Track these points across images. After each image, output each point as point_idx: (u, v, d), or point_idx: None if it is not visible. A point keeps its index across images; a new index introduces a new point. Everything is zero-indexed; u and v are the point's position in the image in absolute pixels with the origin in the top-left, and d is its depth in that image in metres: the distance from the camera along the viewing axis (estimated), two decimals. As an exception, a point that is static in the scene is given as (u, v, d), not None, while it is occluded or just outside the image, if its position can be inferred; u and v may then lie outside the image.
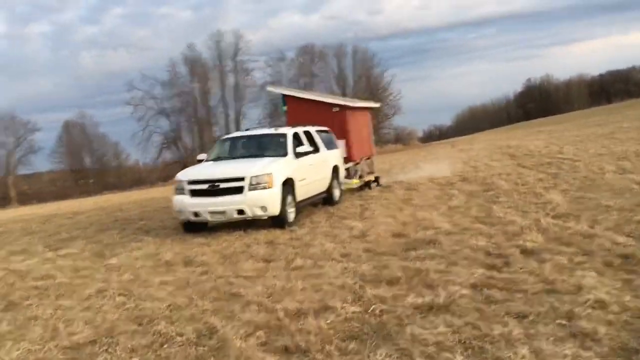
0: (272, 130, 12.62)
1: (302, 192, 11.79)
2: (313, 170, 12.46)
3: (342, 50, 60.68)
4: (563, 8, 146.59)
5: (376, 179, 17.26)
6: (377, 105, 18.50)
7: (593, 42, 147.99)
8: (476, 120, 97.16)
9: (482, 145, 37.75)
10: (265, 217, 10.78)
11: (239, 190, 10.52)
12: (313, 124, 14.20)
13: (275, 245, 9.44)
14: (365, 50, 62.05)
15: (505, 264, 6.90)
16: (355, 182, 15.83)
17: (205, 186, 10.66)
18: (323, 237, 9.74)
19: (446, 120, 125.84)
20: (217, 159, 12.06)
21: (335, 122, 15.67)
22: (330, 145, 14.17)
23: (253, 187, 10.51)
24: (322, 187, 13.16)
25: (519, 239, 8.09)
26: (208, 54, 58.07)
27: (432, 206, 12.18)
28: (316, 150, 13.21)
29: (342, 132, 15.65)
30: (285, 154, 11.63)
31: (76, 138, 67.32)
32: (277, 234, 10.37)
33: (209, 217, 10.67)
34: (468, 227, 9.34)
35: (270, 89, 16.69)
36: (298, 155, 11.77)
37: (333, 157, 14.00)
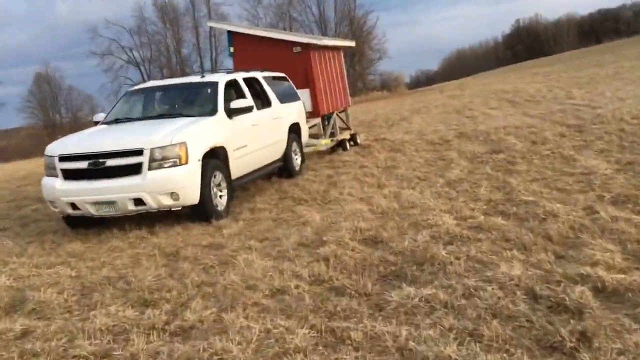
0: (196, 79, 8.77)
1: (241, 165, 8.13)
2: (259, 133, 8.77)
3: (322, -11, 55.72)
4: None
5: (352, 137, 13.58)
6: (350, 43, 14.66)
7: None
8: (464, 64, 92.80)
9: (473, 90, 33.89)
10: (179, 208, 7.14)
11: (135, 169, 6.83)
12: (267, 70, 10.42)
13: (177, 261, 5.82)
14: (347, -10, 57.07)
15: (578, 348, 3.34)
16: (324, 143, 12.15)
17: (84, 164, 6.94)
18: (257, 242, 6.14)
19: (433, 65, 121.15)
20: (116, 121, 8.25)
21: (296, 66, 11.86)
22: (287, 98, 10.42)
23: (156, 163, 6.83)
24: (275, 154, 9.50)
25: (578, 254, 4.55)
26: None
27: (424, 179, 8.58)
28: (265, 104, 9.48)
29: (305, 79, 11.86)
30: (212, 112, 7.89)
31: (47, 92, 62.86)
32: (191, 235, 6.75)
33: (92, 210, 7.00)
34: (482, 225, 5.77)
35: (211, 24, 12.64)
36: (232, 112, 8.05)
37: (291, 112, 10.26)
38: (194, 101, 8.35)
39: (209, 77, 8.52)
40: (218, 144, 7.55)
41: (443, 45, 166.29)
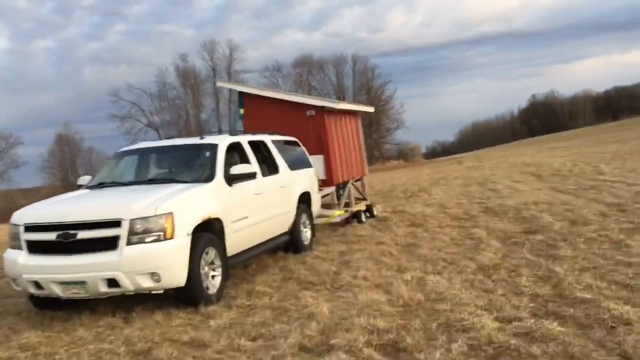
0: (193, 140, 7.73)
1: (240, 240, 6.96)
2: (263, 203, 7.65)
3: (341, 60, 56.01)
4: (561, 28, 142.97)
5: (368, 208, 12.42)
6: (369, 109, 13.73)
7: (594, 60, 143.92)
8: (480, 137, 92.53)
9: (492, 162, 32.86)
10: (160, 292, 5.93)
11: (111, 243, 5.68)
12: (278, 133, 9.43)
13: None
14: (365, 60, 57.35)
15: None
16: (338, 214, 10.98)
17: (52, 235, 5.81)
18: (248, 341, 4.88)
19: (449, 136, 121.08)
20: (100, 185, 7.17)
21: (310, 130, 10.87)
22: (298, 164, 9.36)
23: (136, 237, 5.67)
24: (281, 226, 8.34)
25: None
26: (201, 65, 53.49)
27: (451, 262, 7.31)
28: (272, 170, 8.40)
29: (319, 144, 10.85)
30: (209, 178, 6.79)
31: (67, 152, 63.05)
32: (171, 327, 5.50)
33: (57, 291, 5.80)
34: (533, 331, 4.48)
35: (220, 84, 11.32)
36: (232, 179, 6.95)
37: (301, 180, 9.16)
38: (189, 165, 7.28)
39: (209, 139, 7.48)
40: (213, 215, 6.41)
41: (459, 117, 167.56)
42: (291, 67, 55.14)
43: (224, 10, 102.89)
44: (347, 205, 12.03)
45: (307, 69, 53.57)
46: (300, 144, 9.88)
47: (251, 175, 7.15)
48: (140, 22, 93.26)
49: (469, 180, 20.29)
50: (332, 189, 11.03)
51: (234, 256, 6.89)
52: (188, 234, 5.91)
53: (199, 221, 6.13)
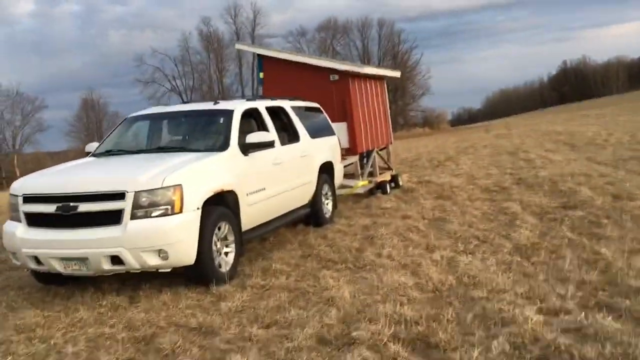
0: (207, 106, 7.16)
1: (256, 213, 6.46)
2: (281, 174, 7.11)
3: (367, 24, 54.59)
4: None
5: (394, 179, 11.80)
6: (395, 73, 12.94)
7: (627, 25, 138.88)
8: (508, 104, 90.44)
9: (521, 130, 31.83)
10: (168, 270, 5.46)
11: (114, 217, 5.21)
12: (299, 99, 8.83)
13: (146, 354, 4.13)
14: (391, 24, 55.85)
15: None
16: (361, 185, 10.40)
17: (51, 207, 5.35)
18: (261, 329, 4.38)
19: (476, 103, 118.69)
20: (107, 153, 6.68)
21: (333, 96, 10.22)
22: (320, 132, 8.77)
23: (142, 211, 5.19)
24: (301, 198, 7.81)
25: None
26: (224, 29, 52.61)
27: (484, 240, 6.72)
28: (291, 139, 7.83)
29: (343, 111, 10.21)
30: (223, 147, 6.24)
31: (93, 117, 63.22)
32: (179, 309, 5.04)
33: (58, 267, 5.38)
34: (585, 328, 3.91)
35: (240, 46, 11.13)
36: (248, 148, 6.40)
37: (323, 149, 8.58)
38: (202, 133, 6.75)
39: (223, 105, 6.90)
40: (226, 187, 5.89)
41: (486, 84, 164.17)
42: (315, 32, 53.99)
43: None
44: (371, 175, 11.43)
45: (331, 34, 52.38)
46: (323, 110, 9.26)
47: (269, 144, 6.59)
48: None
49: (498, 149, 19.48)
50: (355, 158, 10.43)
51: (249, 231, 6.39)
52: (198, 208, 5.40)
53: (211, 194, 5.61)
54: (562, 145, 18.37)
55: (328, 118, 9.31)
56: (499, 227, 7.39)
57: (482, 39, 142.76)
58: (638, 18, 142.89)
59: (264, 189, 6.62)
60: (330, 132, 9.17)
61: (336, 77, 10.18)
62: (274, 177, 6.91)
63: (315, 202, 8.16)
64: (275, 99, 8.04)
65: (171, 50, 57.44)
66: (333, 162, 8.84)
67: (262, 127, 7.16)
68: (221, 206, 5.86)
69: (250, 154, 6.44)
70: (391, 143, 12.52)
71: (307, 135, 8.17)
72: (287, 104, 8.05)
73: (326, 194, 8.61)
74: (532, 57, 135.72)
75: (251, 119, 7.13)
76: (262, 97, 7.88)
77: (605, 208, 7.78)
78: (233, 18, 52.54)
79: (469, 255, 6.05)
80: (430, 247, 6.53)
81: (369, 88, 11.23)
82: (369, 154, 11.30)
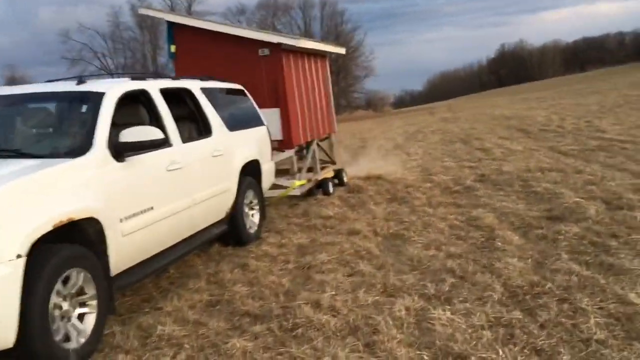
0: (66, 86, 4.87)
1: (137, 246, 4.34)
2: (181, 183, 4.98)
3: (308, 2, 52.19)
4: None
5: (337, 175, 9.84)
6: (339, 50, 10.87)
7: (561, 10, 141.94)
8: (448, 86, 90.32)
9: (466, 113, 30.58)
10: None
11: None
12: (214, 79, 6.68)
13: None
14: (334, 3, 53.61)
15: None
16: (298, 185, 8.38)
17: None
18: None
19: (417, 85, 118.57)
20: None
21: (262, 76, 8.12)
22: (243, 122, 6.67)
23: None
24: (215, 213, 5.72)
25: None
26: (158, 5, 48.92)
27: (462, 277, 4.80)
28: (199, 133, 5.72)
29: (274, 94, 8.12)
30: (82, 149, 4.04)
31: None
32: None
33: None
34: None
35: (144, 11, 8.74)
36: (123, 150, 4.23)
37: (246, 144, 6.47)
38: (53, 127, 4.53)
39: (92, 85, 4.65)
40: (81, 214, 3.74)
41: (427, 67, 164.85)
42: (255, 9, 51.16)
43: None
44: (310, 171, 9.43)
45: (272, 12, 49.76)
46: (247, 93, 7.15)
47: (157, 143, 4.44)
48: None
49: (448, 135, 17.84)
50: (291, 152, 8.39)
51: (126, 273, 4.27)
52: (20, 256, 3.24)
53: (49, 228, 3.46)
54: (515, 132, 16.88)
55: (255, 104, 7.20)
56: (476, 250, 5.52)
57: (423, 21, 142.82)
58: (572, 4, 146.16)
59: (151, 208, 4.49)
60: (257, 121, 7.07)
61: (266, 51, 8.07)
62: (168, 189, 4.78)
63: (234, 216, 6.09)
64: (179, 79, 5.86)
65: (101, 26, 53.36)
66: (260, 160, 6.76)
67: (154, 117, 5.00)
68: (71, 244, 3.71)
69: (127, 159, 4.28)
70: (335, 132, 10.52)
71: (224, 127, 6.04)
72: (194, 85, 5.88)
73: (250, 202, 6.55)
74: (471, 40, 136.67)
75: (137, 106, 4.95)
76: (158, 75, 5.68)
77: (604, 221, 6.03)
78: (168, -7, 48.95)
79: (445, 307, 4.13)
80: (388, 290, 4.57)
81: (307, 67, 9.16)
82: (308, 146, 9.29)
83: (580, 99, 30.13)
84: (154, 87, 5.08)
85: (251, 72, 8.08)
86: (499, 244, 5.59)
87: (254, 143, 6.70)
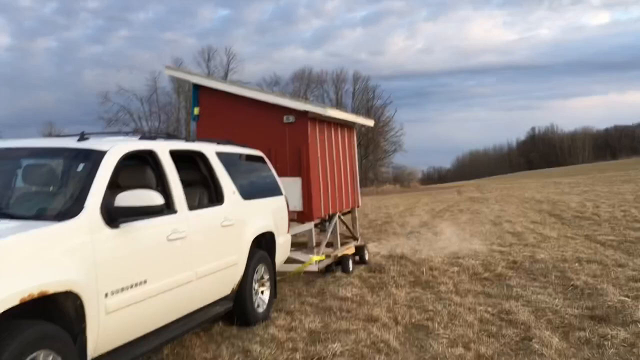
0: (64, 142, 4.44)
1: (124, 325, 3.80)
2: (182, 254, 4.47)
3: (341, 77, 53.05)
4: (560, 64, 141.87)
5: (359, 251, 9.25)
6: (368, 122, 10.52)
7: (592, 98, 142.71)
8: (477, 166, 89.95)
9: (495, 194, 29.86)
10: None
11: None
12: (232, 143, 6.31)
13: None
14: (366, 78, 54.38)
15: None
16: (316, 260, 7.80)
17: None
18: None
19: (446, 163, 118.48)
20: None
21: (286, 142, 7.76)
22: (259, 190, 6.23)
23: None
24: (219, 289, 5.18)
25: None
26: (197, 72, 50.25)
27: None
28: (209, 199, 5.28)
29: (297, 162, 7.72)
30: (69, 212, 3.59)
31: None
32: None
33: None
34: None
35: (170, 72, 8.65)
36: (118, 215, 3.77)
37: (260, 214, 5.99)
38: (46, 186, 4.11)
39: (94, 142, 4.27)
40: (56, 288, 3.24)
41: (456, 145, 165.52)
42: (289, 81, 52.16)
43: (227, 23, 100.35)
44: (330, 245, 8.88)
45: (305, 84, 50.64)
46: (267, 160, 6.74)
47: (155, 210, 3.97)
48: (144, 29, 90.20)
49: (478, 215, 17.16)
50: (310, 225, 7.87)
51: (108, 356, 3.70)
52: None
53: (13, 303, 2.95)
54: (548, 217, 16.13)
55: (274, 172, 6.78)
56: (510, 352, 4.82)
57: (454, 101, 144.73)
58: (603, 92, 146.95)
59: (144, 282, 3.97)
60: (275, 190, 6.61)
61: (291, 118, 7.73)
62: (166, 260, 4.28)
63: (241, 293, 5.52)
64: (193, 142, 5.48)
65: (139, 89, 54.95)
66: (275, 232, 6.25)
67: (160, 181, 4.57)
68: (44, 321, 3.20)
69: (122, 226, 3.82)
70: (358, 206, 10.00)
71: (237, 195, 5.59)
72: (209, 149, 5.48)
73: (261, 278, 5.99)
74: (500, 122, 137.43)
75: (143, 168, 4.53)
76: (171, 137, 5.30)
77: (656, 327, 5.30)
78: (206, 61, 50.48)
79: None
80: (409, 398, 3.91)
81: (334, 137, 8.79)
82: (330, 218, 8.77)
83: (614, 186, 29.28)
84: (163, 148, 4.69)
85: (275, 139, 7.72)
86: (537, 346, 4.88)
87: (269, 214, 6.22)
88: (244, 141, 6.76)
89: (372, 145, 53.74)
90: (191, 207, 4.78)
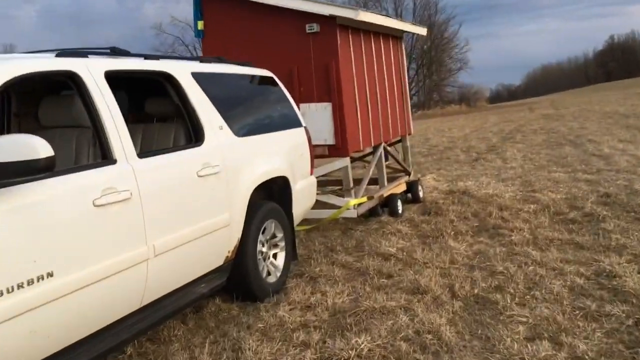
0: None
1: (18, 342, 2.41)
2: (123, 227, 3.00)
3: (401, -11, 49.14)
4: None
5: (411, 187, 7.59)
6: (417, 29, 8.48)
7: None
8: (550, 80, 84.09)
9: (572, 110, 26.88)
10: None
11: None
12: (224, 61, 4.71)
13: None
14: (427, -10, 50.09)
15: None
16: (353, 204, 6.22)
17: None
18: None
19: (516, 80, 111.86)
20: None
21: (311, 59, 6.05)
22: (265, 124, 4.67)
23: None
24: (202, 262, 3.73)
25: None
26: None
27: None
28: (179, 141, 3.77)
29: (325, 83, 6.02)
30: None
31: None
32: None
33: None
34: None
35: None
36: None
37: (265, 155, 4.42)
38: None
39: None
40: None
41: (526, 60, 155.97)
42: (345, -1, 48.89)
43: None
44: (376, 183, 7.28)
45: (362, 1, 47.21)
46: (279, 82, 5.08)
47: (38, 168, 2.44)
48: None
49: (554, 135, 14.90)
50: (345, 161, 6.24)
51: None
52: None
53: None
54: (638, 133, 13.73)
55: (289, 96, 5.13)
56: (624, 351, 3.16)
57: (522, 13, 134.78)
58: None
59: (49, 275, 2.55)
60: (291, 121, 5.00)
61: (315, 27, 5.98)
62: (92, 238, 2.82)
63: (240, 262, 4.07)
64: (157, 59, 3.89)
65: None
66: (290, 177, 4.68)
67: (91, 118, 3.06)
68: None
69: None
70: (410, 134, 8.22)
71: (227, 131, 4.02)
72: (180, 69, 3.87)
73: (272, 238, 4.51)
74: (575, 32, 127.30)
75: (62, 99, 3.03)
76: (119, 53, 3.72)
77: None
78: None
79: None
80: None
81: (375, 50, 6.96)
82: (375, 149, 7.12)
83: None
84: (93, 69, 3.13)
85: (297, 55, 6.04)
86: (665, 339, 3.19)
87: (281, 152, 4.64)
88: (259, 60, 5.16)
89: (436, 64, 50.37)
90: (144, 153, 3.28)
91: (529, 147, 12.89)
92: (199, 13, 6.43)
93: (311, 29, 5.98)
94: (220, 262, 3.93)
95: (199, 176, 3.62)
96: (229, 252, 3.97)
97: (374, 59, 6.91)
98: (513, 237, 5.51)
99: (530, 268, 4.59)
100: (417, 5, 49.52)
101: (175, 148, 3.66)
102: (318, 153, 6.00)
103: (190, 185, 3.55)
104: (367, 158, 7.90)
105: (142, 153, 3.27)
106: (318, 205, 5.79)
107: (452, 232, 5.86)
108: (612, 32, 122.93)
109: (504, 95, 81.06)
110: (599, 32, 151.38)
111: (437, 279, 4.46)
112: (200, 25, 6.41)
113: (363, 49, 6.60)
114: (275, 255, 4.56)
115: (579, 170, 9.04)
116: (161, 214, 3.27)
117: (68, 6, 77.61)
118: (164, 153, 3.44)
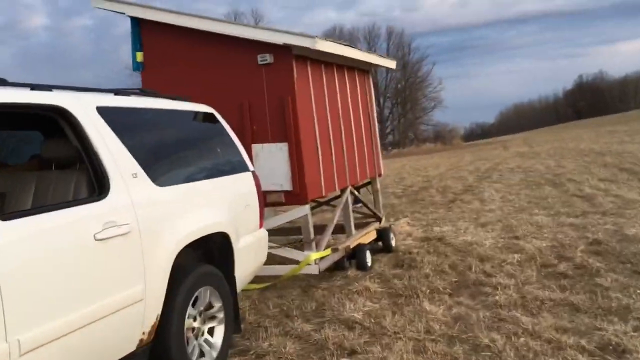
0: None
1: None
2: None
3: (374, 33, 49.52)
4: (606, 7, 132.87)
5: (381, 235, 6.77)
6: (386, 62, 7.85)
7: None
8: (522, 119, 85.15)
9: (546, 147, 26.59)
10: None
11: None
12: (191, 97, 3.92)
13: None
14: (400, 32, 50.61)
15: None
16: (314, 259, 5.38)
17: None
18: None
19: (489, 118, 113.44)
20: None
21: (265, 93, 5.29)
22: (200, 168, 3.84)
23: None
24: (103, 350, 2.83)
25: None
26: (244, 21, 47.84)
27: None
28: (69, 194, 2.93)
29: (280, 121, 5.25)
30: None
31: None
32: None
33: None
34: None
35: (95, 3, 6.17)
36: None
37: (197, 207, 3.58)
38: None
39: None
40: None
41: (498, 99, 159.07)
42: (321, 41, 49.04)
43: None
44: (342, 231, 6.47)
45: (337, 36, 47.27)
46: (220, 117, 4.29)
47: None
48: (176, 0, 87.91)
49: (531, 174, 14.32)
50: (304, 209, 5.41)
51: None
52: None
53: None
54: (617, 172, 13.22)
55: (233, 136, 4.33)
56: None
57: (493, 53, 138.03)
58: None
59: None
60: (235, 165, 4.19)
61: (268, 58, 5.23)
62: None
63: (162, 342, 3.18)
64: (50, 90, 3.06)
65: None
66: (231, 233, 3.83)
67: None
68: None
69: None
70: (380, 175, 7.47)
71: (143, 179, 3.19)
72: (79, 103, 3.05)
73: (206, 309, 3.63)
74: (545, 72, 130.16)
75: None
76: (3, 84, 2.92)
77: None
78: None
79: None
80: None
81: (338, 83, 6.24)
82: (342, 193, 6.33)
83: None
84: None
85: (248, 89, 5.28)
86: None
87: (219, 203, 3.80)
88: (207, 96, 4.40)
89: (410, 102, 50.45)
90: (15, 213, 2.42)
91: (507, 187, 12.25)
92: (137, 44, 5.65)
93: (264, 60, 5.24)
94: (132, 348, 3.04)
95: (97, 240, 2.76)
96: (143, 333, 3.08)
97: (338, 94, 6.19)
98: (497, 297, 4.71)
99: (522, 340, 3.77)
100: (391, 46, 49.82)
101: (63, 203, 2.80)
102: (273, 200, 5.20)
103: (82, 254, 2.68)
104: (336, 201, 7.12)
105: (6, 214, 2.41)
106: (275, 259, 4.95)
107: (428, 291, 5.04)
108: (581, 71, 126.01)
109: (478, 133, 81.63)
110: (568, 72, 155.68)
111: (410, 356, 3.61)
112: (140, 57, 5.63)
113: (325, 83, 5.88)
114: (211, 331, 3.67)
115: (562, 213, 8.35)
116: (30, 298, 2.39)
117: (43, 48, 77.16)
118: (43, 212, 2.58)
